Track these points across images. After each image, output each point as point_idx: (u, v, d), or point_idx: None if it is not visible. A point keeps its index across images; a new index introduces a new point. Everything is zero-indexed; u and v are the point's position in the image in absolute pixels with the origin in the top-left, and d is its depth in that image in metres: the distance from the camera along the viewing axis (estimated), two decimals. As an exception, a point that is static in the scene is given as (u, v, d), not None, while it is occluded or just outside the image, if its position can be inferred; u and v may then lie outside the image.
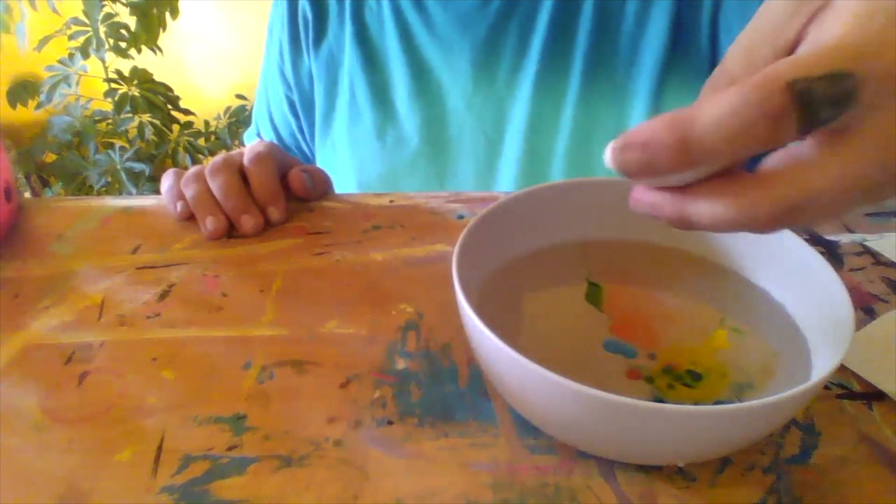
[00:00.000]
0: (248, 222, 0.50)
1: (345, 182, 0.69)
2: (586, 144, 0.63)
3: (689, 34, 0.59)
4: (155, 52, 1.72)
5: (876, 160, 0.21)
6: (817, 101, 0.20)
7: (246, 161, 0.52)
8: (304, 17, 0.69)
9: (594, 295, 0.39)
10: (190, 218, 0.52)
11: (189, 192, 0.51)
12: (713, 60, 0.60)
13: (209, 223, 0.50)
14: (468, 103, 0.65)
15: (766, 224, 0.22)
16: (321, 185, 0.56)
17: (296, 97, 0.74)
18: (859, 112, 0.21)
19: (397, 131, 0.67)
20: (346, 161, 0.69)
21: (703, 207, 0.23)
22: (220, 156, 0.53)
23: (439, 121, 0.66)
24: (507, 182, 0.65)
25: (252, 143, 0.57)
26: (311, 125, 0.74)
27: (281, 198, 0.52)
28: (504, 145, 0.65)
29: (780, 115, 0.20)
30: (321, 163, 0.73)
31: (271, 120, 0.77)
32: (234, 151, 0.55)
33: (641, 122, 0.72)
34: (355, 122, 0.69)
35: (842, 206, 0.22)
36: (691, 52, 0.60)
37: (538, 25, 0.62)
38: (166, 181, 0.53)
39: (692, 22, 0.59)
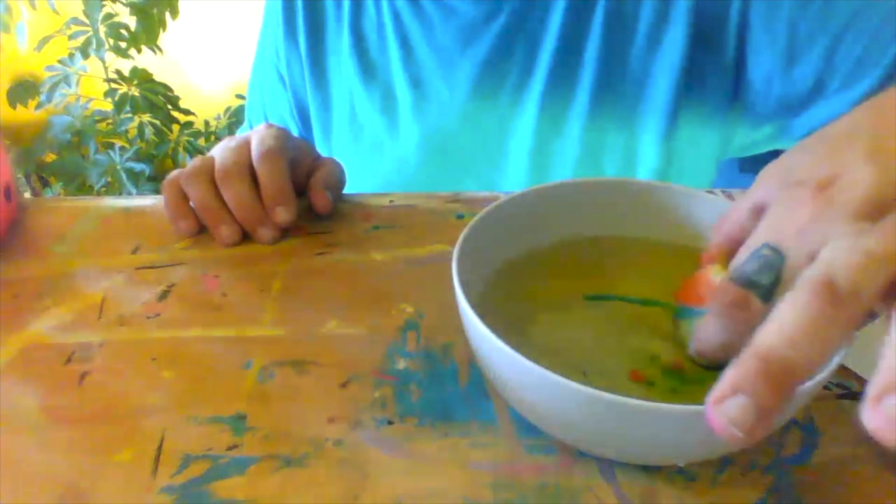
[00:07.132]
0: (264, 235, 0.48)
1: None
2: (594, 168, 0.60)
3: (710, 56, 0.56)
4: (155, 52, 1.72)
5: None
6: (752, 275, 0.27)
7: (255, 158, 0.48)
8: (300, 18, 0.66)
9: (594, 293, 0.39)
10: (193, 235, 0.49)
11: (194, 193, 0.48)
12: (738, 84, 0.57)
13: (224, 232, 0.47)
14: (469, 122, 0.63)
15: None
16: (340, 189, 0.53)
17: (291, 98, 0.70)
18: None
19: (398, 147, 0.65)
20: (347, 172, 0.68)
21: None
22: (230, 152, 0.48)
23: (439, 138, 0.64)
24: None
25: (259, 128, 0.50)
26: (309, 130, 0.71)
27: (291, 198, 0.48)
28: (507, 167, 0.63)
29: (737, 302, 0.27)
30: None
31: (266, 121, 0.75)
32: (241, 139, 0.50)
33: (652, 146, 0.64)
34: (357, 138, 0.66)
35: None
36: (712, 74, 0.57)
37: (545, 45, 0.59)
38: (168, 194, 0.49)
39: (715, 45, 0.56)
